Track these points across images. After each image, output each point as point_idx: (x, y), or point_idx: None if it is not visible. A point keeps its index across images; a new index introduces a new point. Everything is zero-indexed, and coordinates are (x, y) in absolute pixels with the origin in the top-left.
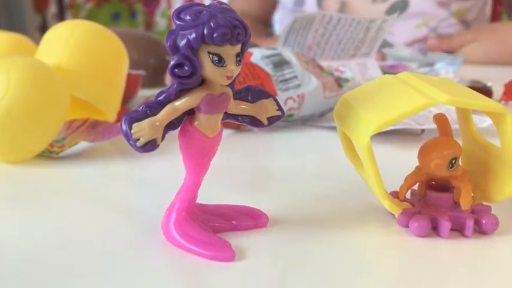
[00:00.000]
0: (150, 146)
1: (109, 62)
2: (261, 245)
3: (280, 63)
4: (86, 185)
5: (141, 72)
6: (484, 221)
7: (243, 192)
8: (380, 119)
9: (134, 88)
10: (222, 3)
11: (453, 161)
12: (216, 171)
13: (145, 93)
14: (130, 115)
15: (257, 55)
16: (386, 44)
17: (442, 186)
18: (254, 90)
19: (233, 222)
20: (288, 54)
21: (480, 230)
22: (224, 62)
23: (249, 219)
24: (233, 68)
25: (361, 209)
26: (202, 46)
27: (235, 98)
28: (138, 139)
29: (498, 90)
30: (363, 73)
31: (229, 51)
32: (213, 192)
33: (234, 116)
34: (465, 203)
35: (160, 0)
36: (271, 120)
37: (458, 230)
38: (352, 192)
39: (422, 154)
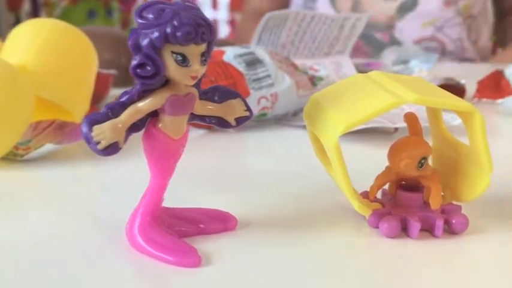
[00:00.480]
0: (111, 149)
1: (77, 61)
2: (228, 249)
3: (253, 62)
4: (52, 188)
5: (112, 71)
6: (454, 221)
7: (212, 193)
8: (348, 119)
9: (105, 88)
10: (187, 0)
11: (422, 161)
12: (185, 172)
13: (117, 93)
14: (90, 117)
15: (230, 54)
16: (395, 42)
17: (413, 186)
18: (221, 90)
19: (200, 226)
20: (261, 53)
21: (450, 230)
22: (188, 62)
23: (217, 222)
24: (198, 68)
25: (332, 209)
26: (165, 45)
27: (201, 99)
28: (99, 142)
29: (472, 88)
30: (337, 71)
31: (194, 51)
32: (181, 194)
33: (201, 117)
34: (435, 203)
35: None
36: (239, 120)
37: (428, 230)
38: (323, 193)
39: (391, 154)
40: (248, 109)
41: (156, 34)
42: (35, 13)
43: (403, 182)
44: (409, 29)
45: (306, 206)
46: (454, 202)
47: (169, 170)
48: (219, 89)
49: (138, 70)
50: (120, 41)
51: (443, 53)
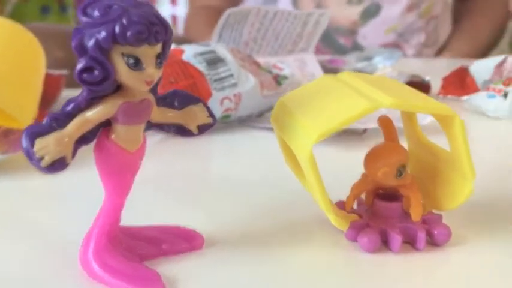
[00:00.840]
0: (57, 165)
1: (22, 61)
2: (195, 271)
3: (215, 61)
4: None
5: (64, 71)
6: (436, 232)
7: (175, 206)
8: (322, 127)
9: (56, 90)
10: None
11: (401, 169)
12: (144, 182)
13: (71, 94)
14: (31, 129)
15: (189, 53)
16: (358, 47)
17: (390, 194)
18: (181, 95)
19: (163, 246)
20: (222, 51)
21: (432, 241)
22: (142, 65)
23: (182, 241)
24: (153, 72)
25: (306, 222)
26: (114, 47)
27: (159, 105)
28: (43, 157)
29: (436, 84)
30: (302, 69)
31: (148, 52)
32: (140, 207)
33: (159, 126)
34: (416, 214)
35: None
36: (202, 128)
37: (409, 242)
38: (296, 203)
39: (368, 162)
40: (211, 115)
41: (103, 34)
42: None
43: (380, 191)
44: (372, 35)
45: (278, 218)
46: (434, 211)
47: (125, 187)
48: (178, 93)
49: (84, 75)
50: None
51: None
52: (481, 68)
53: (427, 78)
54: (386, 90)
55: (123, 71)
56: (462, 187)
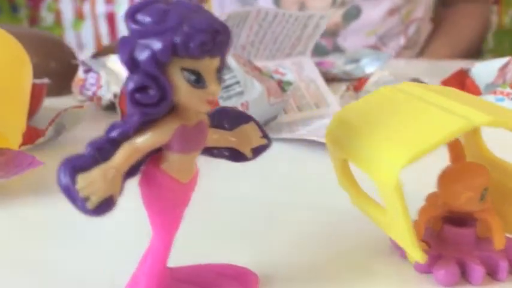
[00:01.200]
0: (105, 205)
1: (8, 72)
2: None
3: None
4: None
5: (45, 80)
6: None
7: (212, 238)
8: (410, 150)
9: (38, 100)
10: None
11: (484, 192)
12: None
13: (52, 104)
14: (71, 162)
15: None
16: (338, 49)
17: (461, 218)
18: (231, 113)
19: None
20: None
21: None
22: (204, 82)
23: (235, 282)
24: (215, 89)
25: (362, 250)
26: (173, 60)
27: (210, 126)
28: (88, 198)
29: None
30: (299, 73)
31: (209, 66)
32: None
33: (209, 150)
34: (499, 242)
35: None
36: (256, 151)
37: (488, 272)
38: (343, 227)
39: (446, 185)
40: (265, 135)
41: (159, 45)
42: None
43: (448, 215)
44: (352, 37)
45: (329, 247)
46: (508, 235)
47: (175, 222)
48: (228, 112)
49: (137, 95)
50: (47, 43)
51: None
52: (483, 71)
53: (426, 81)
54: (471, 105)
55: (183, 89)
56: None
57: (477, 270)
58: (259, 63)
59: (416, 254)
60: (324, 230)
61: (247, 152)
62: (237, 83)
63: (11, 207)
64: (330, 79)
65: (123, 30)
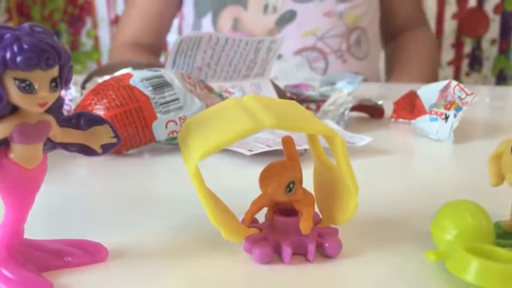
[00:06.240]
0: None
1: None
2: (97, 282)
3: (161, 85)
4: None
5: None
6: (326, 244)
7: (92, 224)
8: (204, 147)
9: None
10: (35, 25)
11: (291, 185)
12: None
13: None
14: None
15: (136, 77)
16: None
17: (290, 210)
18: (87, 116)
19: (66, 258)
20: (170, 75)
21: (324, 254)
22: (34, 89)
23: (86, 254)
24: (45, 95)
25: (212, 236)
26: (7, 71)
27: (63, 126)
28: None
29: (390, 108)
30: (257, 93)
31: (41, 77)
32: (64, 225)
33: (63, 145)
34: (304, 227)
35: (86, 20)
36: (106, 147)
37: (303, 254)
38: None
39: (260, 179)
40: (116, 136)
41: None
42: None
43: (281, 207)
44: (288, 39)
45: (186, 234)
46: (332, 225)
47: (26, 201)
48: (84, 115)
49: None
50: None
51: (327, 62)
52: (427, 92)
53: (380, 102)
54: (276, 112)
55: (14, 94)
56: (349, 202)
57: (286, 251)
58: (215, 84)
59: (221, 230)
60: (184, 222)
61: (97, 148)
62: (177, 99)
63: None
64: (302, 100)
65: None
